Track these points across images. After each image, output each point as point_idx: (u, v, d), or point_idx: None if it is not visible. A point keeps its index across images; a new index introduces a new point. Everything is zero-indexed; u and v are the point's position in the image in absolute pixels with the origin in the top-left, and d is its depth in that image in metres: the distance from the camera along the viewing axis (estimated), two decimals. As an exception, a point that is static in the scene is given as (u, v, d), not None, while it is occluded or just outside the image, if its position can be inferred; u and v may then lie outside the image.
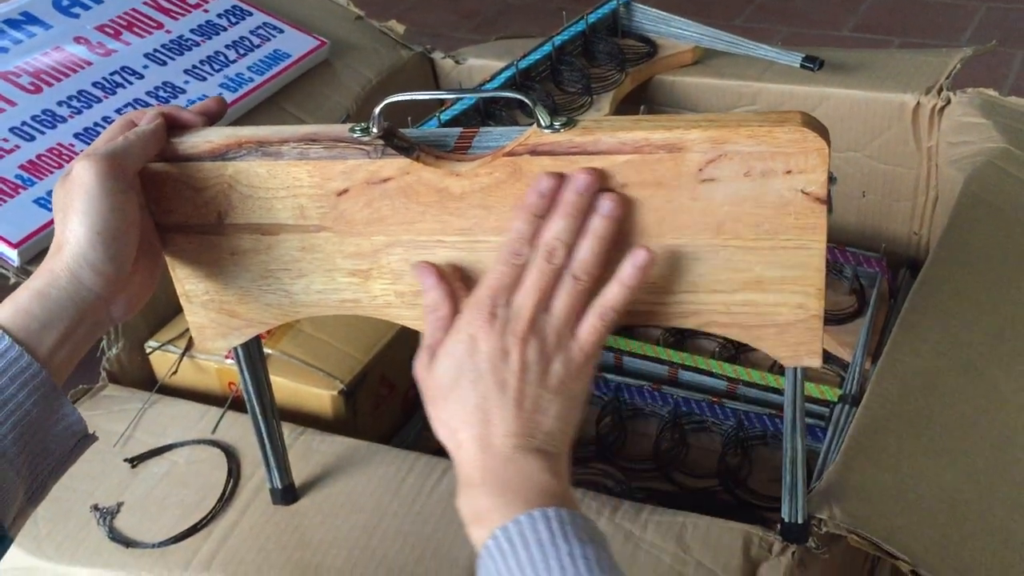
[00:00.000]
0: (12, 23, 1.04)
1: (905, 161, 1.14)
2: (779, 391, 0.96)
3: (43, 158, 0.92)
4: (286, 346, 0.92)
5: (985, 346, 0.85)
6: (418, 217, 0.61)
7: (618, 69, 1.17)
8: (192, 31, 1.11)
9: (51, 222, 0.86)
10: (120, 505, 0.79)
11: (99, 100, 1.00)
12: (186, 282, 0.67)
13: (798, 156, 0.54)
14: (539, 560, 0.50)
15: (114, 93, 1.01)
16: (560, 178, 0.57)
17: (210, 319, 0.68)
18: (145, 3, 1.12)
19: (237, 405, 0.85)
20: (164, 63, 1.06)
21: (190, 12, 1.13)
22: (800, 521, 0.68)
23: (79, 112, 0.98)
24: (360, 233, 0.62)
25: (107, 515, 0.78)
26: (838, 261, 1.06)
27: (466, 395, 0.57)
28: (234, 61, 1.09)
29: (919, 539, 0.69)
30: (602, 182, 0.57)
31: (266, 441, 0.75)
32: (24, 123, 0.95)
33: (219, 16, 1.14)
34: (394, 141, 0.60)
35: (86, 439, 0.59)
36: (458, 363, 0.58)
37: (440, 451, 0.91)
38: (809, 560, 0.69)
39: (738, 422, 0.95)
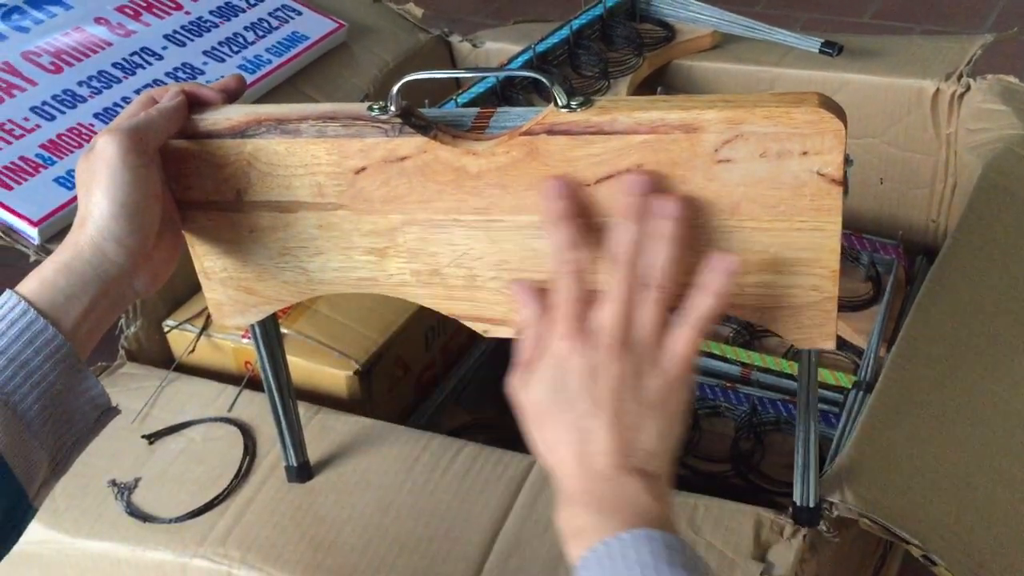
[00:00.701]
0: (33, 3, 1.05)
1: (924, 148, 1.13)
2: (793, 377, 0.96)
3: (63, 137, 0.93)
4: (302, 326, 0.93)
5: (1001, 333, 0.85)
6: (435, 196, 0.61)
7: (636, 53, 1.16)
8: (211, 12, 1.11)
9: (71, 200, 0.88)
10: (137, 481, 0.79)
11: (119, 80, 1.00)
12: (205, 259, 0.67)
13: (814, 137, 0.54)
14: None
15: (133, 74, 1.02)
16: (561, 182, 0.57)
17: (228, 296, 0.69)
18: (165, -16, 1.12)
19: (253, 384, 0.85)
20: (183, 44, 1.07)
21: (209, -7, 1.14)
22: (812, 504, 0.68)
23: (99, 92, 0.98)
24: (377, 211, 0.63)
25: (125, 490, 0.78)
26: (855, 248, 1.05)
27: (562, 415, 0.55)
28: (252, 43, 1.10)
29: (931, 524, 0.69)
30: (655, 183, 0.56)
31: (282, 419, 0.76)
32: (45, 103, 0.95)
33: (238, -3, 1.15)
34: (412, 120, 0.60)
35: (109, 412, 0.60)
36: (551, 382, 0.56)
37: (454, 431, 0.92)
38: (820, 544, 0.69)
39: (752, 407, 0.95)
